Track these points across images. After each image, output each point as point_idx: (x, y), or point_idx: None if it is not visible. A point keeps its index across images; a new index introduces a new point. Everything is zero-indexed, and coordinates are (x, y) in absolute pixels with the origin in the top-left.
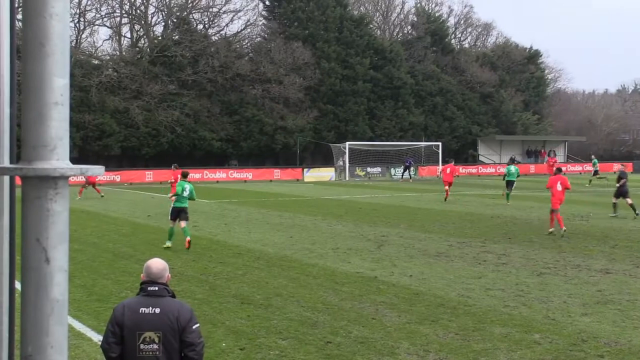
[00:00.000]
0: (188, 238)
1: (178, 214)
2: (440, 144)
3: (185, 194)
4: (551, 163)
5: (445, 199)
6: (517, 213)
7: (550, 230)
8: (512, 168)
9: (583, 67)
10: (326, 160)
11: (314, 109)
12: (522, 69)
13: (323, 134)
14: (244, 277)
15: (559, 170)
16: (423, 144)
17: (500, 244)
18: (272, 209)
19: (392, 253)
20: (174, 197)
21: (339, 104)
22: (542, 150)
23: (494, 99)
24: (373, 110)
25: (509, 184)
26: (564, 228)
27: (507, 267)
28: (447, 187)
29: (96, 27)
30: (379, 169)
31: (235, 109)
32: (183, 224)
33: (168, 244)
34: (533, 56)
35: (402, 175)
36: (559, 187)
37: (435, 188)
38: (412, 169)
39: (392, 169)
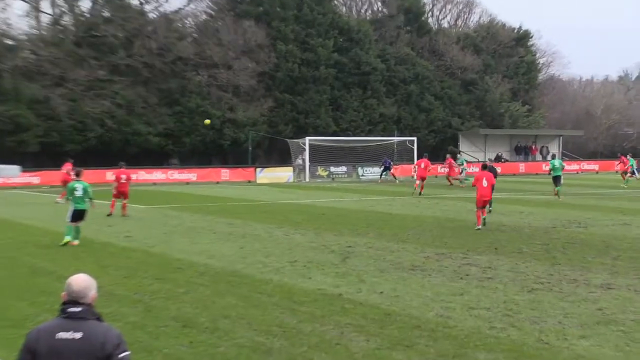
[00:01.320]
0: (76, 242)
1: (79, 217)
2: (415, 139)
3: (78, 193)
4: (624, 166)
5: (420, 193)
6: (505, 219)
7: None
8: (556, 162)
9: (580, 50)
10: (283, 158)
11: (268, 99)
12: (509, 52)
13: (279, 128)
14: (185, 296)
15: (485, 166)
16: (396, 139)
17: (485, 256)
18: (219, 215)
19: (360, 266)
20: (65, 200)
21: (297, 93)
22: (534, 147)
23: (478, 87)
24: (337, 100)
25: (556, 180)
26: (479, 226)
27: (493, 282)
28: (420, 182)
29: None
30: (344, 169)
31: (176, 98)
32: (78, 223)
33: (67, 238)
34: (522, 37)
35: (381, 176)
36: (485, 184)
37: (410, 190)
38: (390, 168)
39: (359, 169)
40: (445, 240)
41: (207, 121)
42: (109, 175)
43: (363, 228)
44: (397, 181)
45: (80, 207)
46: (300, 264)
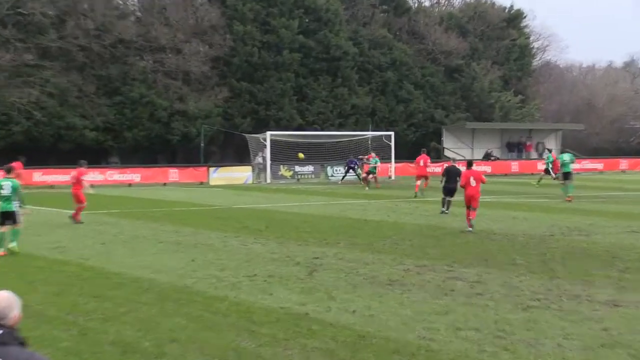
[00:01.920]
0: (2, 251)
1: (4, 218)
2: (392, 134)
3: (4, 192)
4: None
5: (416, 195)
6: (496, 226)
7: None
8: (566, 156)
9: (580, 33)
10: (240, 156)
11: (223, 88)
12: (500, 34)
13: (236, 121)
14: (127, 317)
15: (470, 163)
16: (370, 133)
17: (474, 268)
18: (166, 222)
19: (329, 281)
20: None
21: (257, 81)
22: (528, 142)
23: (464, 75)
24: (303, 89)
25: (567, 175)
26: (472, 218)
27: (483, 299)
28: (421, 182)
29: None
30: (311, 168)
31: (116, 87)
32: (5, 228)
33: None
34: (514, 18)
35: (343, 177)
36: (473, 183)
37: (387, 193)
38: (357, 169)
39: (328, 168)
40: (428, 250)
41: (301, 155)
42: (38, 176)
43: (333, 237)
44: (367, 188)
45: (5, 208)
46: (260, 278)
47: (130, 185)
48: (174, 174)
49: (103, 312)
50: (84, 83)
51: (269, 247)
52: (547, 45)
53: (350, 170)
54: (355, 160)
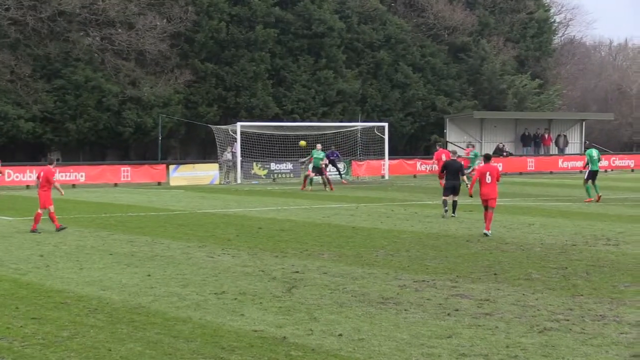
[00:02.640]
0: None
1: None
2: (386, 125)
3: None
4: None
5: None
6: (508, 234)
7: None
8: (594, 152)
9: (610, 4)
10: (205, 151)
11: (185, 70)
12: (514, 6)
13: (200, 110)
14: (71, 342)
15: (488, 157)
16: (360, 124)
17: (482, 284)
18: (117, 230)
19: (311, 299)
20: None
21: (225, 62)
22: (546, 135)
23: (471, 55)
24: (280, 71)
25: (592, 174)
26: (489, 231)
27: (492, 320)
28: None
29: None
30: (289, 166)
31: (56, 69)
32: None
33: None
34: None
35: (341, 174)
36: (488, 179)
37: (380, 195)
38: (338, 163)
39: (310, 166)
40: (428, 263)
41: (303, 143)
42: None
43: (315, 247)
44: (310, 188)
45: None
46: (229, 296)
47: (74, 186)
48: (126, 172)
49: (43, 336)
50: (17, 64)
51: (240, 260)
52: (570, 20)
53: (330, 165)
54: (337, 152)
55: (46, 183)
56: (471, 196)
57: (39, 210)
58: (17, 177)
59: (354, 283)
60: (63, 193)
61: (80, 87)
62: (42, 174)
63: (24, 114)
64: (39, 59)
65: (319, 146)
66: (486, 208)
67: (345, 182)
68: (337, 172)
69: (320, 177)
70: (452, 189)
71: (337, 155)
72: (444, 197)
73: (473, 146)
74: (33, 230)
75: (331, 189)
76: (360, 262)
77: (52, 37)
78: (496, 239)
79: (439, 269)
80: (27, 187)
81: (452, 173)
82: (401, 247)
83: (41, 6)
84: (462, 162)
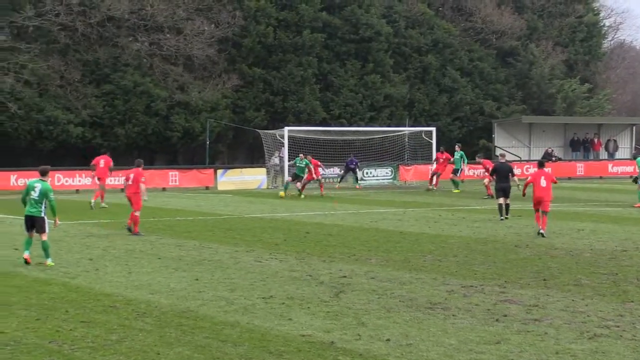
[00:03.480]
0: (27, 255)
1: (31, 223)
2: (434, 129)
3: (34, 195)
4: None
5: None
6: (558, 240)
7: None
8: None
9: None
10: (253, 156)
11: (232, 75)
12: (563, 10)
13: (248, 115)
14: (120, 346)
15: (541, 164)
16: (407, 129)
17: (531, 289)
18: (166, 234)
19: (359, 304)
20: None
21: (272, 67)
22: (596, 139)
23: (520, 59)
24: (327, 76)
25: None
26: (542, 230)
27: (542, 326)
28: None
29: None
30: (336, 171)
31: (105, 74)
32: (33, 234)
33: (26, 254)
34: None
35: (341, 180)
36: (543, 183)
37: (427, 200)
38: (358, 171)
39: (358, 171)
40: (476, 268)
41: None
42: (13, 179)
43: (363, 252)
44: (357, 185)
45: (30, 211)
46: (277, 300)
47: (122, 190)
48: (174, 177)
49: (92, 339)
50: (67, 69)
51: (287, 264)
52: (620, 23)
53: (350, 172)
54: (356, 159)
55: (136, 184)
56: (524, 195)
57: (136, 213)
58: (66, 181)
59: (401, 288)
60: (147, 197)
61: (129, 92)
62: (132, 175)
63: (73, 119)
64: (88, 64)
65: (301, 155)
66: (538, 211)
67: (358, 187)
68: (354, 179)
69: (297, 183)
70: (503, 191)
71: (356, 163)
72: (498, 202)
73: (459, 147)
74: (136, 233)
75: (301, 191)
76: (408, 267)
77: (101, 42)
78: (545, 244)
79: (487, 274)
80: (77, 191)
81: (502, 176)
82: (449, 252)
83: (90, 12)
84: (511, 165)
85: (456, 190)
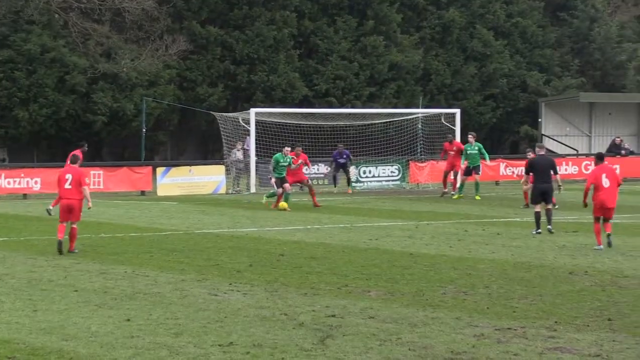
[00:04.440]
0: None
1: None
2: (458, 111)
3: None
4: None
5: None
6: (627, 263)
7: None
8: None
9: None
10: (206, 149)
11: (179, 36)
12: None
13: (200, 92)
14: None
15: (600, 157)
16: (421, 111)
17: (591, 333)
18: (86, 257)
19: (352, 354)
20: None
21: (234, 25)
22: None
23: (577, 14)
24: (310, 38)
25: None
26: (608, 232)
27: None
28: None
29: None
30: (323, 168)
31: (2, 35)
32: None
33: None
34: None
35: (335, 181)
36: (606, 183)
37: (448, 210)
38: (351, 168)
39: (352, 168)
40: (515, 303)
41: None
42: None
43: (359, 281)
44: (350, 188)
45: None
46: (239, 349)
47: (25, 196)
48: (97, 177)
49: None
50: None
51: (254, 299)
52: None
53: (340, 170)
54: (347, 152)
55: (77, 188)
56: (585, 205)
57: (74, 225)
58: None
59: (412, 332)
60: (91, 205)
61: (35, 59)
62: (69, 176)
63: None
64: None
65: (286, 150)
66: (598, 219)
67: (350, 191)
68: (347, 180)
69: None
70: (542, 195)
71: (348, 156)
72: (535, 209)
73: (474, 137)
74: (72, 251)
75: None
76: (421, 303)
77: None
78: (611, 270)
79: (530, 313)
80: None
81: (541, 173)
82: (478, 282)
83: None
84: (553, 159)
85: (456, 197)
